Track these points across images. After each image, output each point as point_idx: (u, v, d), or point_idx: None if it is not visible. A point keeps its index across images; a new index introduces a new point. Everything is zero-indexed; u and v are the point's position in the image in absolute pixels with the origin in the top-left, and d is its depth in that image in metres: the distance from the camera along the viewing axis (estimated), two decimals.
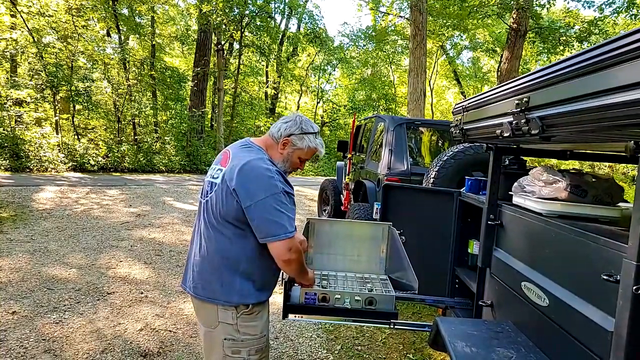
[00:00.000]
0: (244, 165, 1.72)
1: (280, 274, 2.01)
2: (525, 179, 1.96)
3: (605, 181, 1.79)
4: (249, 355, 1.83)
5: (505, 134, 1.71)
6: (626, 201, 2.22)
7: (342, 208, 6.82)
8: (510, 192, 2.11)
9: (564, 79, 1.29)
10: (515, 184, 2.03)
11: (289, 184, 1.81)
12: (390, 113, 22.75)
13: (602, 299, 1.31)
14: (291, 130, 1.87)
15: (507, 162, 2.37)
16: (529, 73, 1.55)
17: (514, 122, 1.64)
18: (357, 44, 26.44)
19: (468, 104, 2.30)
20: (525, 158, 2.47)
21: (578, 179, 1.77)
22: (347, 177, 6.81)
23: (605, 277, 1.22)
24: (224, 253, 1.77)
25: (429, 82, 24.46)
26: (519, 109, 1.59)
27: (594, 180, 1.77)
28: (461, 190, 2.92)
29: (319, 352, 3.36)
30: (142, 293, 4.22)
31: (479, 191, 2.73)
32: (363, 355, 3.36)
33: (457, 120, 2.48)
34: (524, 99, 1.56)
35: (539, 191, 1.80)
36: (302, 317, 2.24)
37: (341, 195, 7.36)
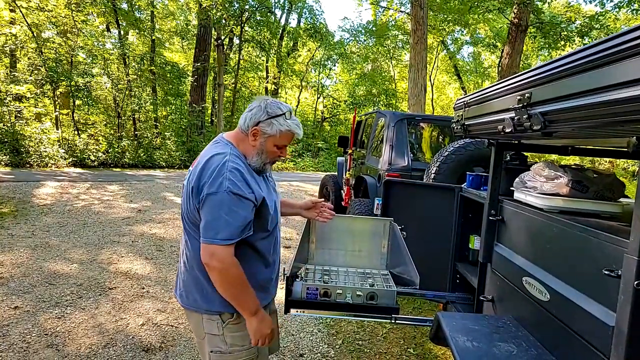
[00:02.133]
0: (205, 162, 1.63)
1: (278, 272, 1.94)
2: (526, 175, 1.96)
3: (606, 177, 1.79)
4: None
5: (507, 130, 1.71)
6: (627, 197, 2.22)
7: (343, 203, 6.82)
8: (511, 188, 2.11)
9: (566, 74, 1.29)
10: (517, 179, 2.03)
11: (249, 184, 1.63)
12: (390, 108, 22.71)
13: (603, 294, 1.31)
14: (257, 118, 1.69)
15: (508, 158, 2.37)
16: (531, 69, 1.55)
17: (515, 118, 1.64)
18: (357, 39, 26.35)
19: (470, 99, 2.30)
20: (526, 154, 2.47)
21: (579, 174, 1.77)
22: (347, 172, 6.81)
23: (606, 272, 1.22)
24: (200, 259, 1.62)
25: (430, 77, 24.41)
26: (521, 105, 1.59)
27: (595, 175, 1.78)
28: (462, 185, 2.93)
29: (320, 347, 3.37)
30: (143, 288, 4.23)
31: (480, 187, 2.74)
32: (364, 349, 3.38)
33: (458, 115, 2.48)
34: (526, 95, 1.56)
35: (540, 187, 1.81)
36: (303, 312, 2.25)
37: (342, 191, 7.36)
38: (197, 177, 1.61)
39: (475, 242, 2.70)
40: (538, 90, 1.49)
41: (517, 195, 2.04)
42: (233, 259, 1.58)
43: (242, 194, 1.58)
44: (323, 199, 2.25)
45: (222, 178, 1.57)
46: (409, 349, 3.41)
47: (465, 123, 2.35)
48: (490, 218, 2.20)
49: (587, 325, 1.36)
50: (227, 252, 1.56)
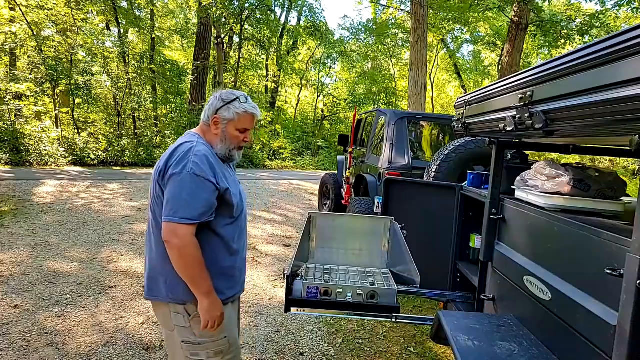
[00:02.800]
0: (173, 149, 1.73)
1: (245, 260, 1.98)
2: (527, 173, 1.96)
3: (608, 175, 1.79)
4: (207, 357, 1.78)
5: (509, 128, 1.71)
6: (628, 195, 2.22)
7: (343, 202, 6.83)
8: (512, 187, 2.11)
9: (568, 72, 1.28)
10: (518, 178, 2.03)
11: (214, 169, 1.70)
12: (390, 107, 22.69)
13: (605, 293, 1.31)
14: (215, 106, 1.81)
15: (509, 157, 2.37)
16: (533, 67, 1.55)
17: (517, 116, 1.64)
18: (357, 37, 26.32)
19: (470, 97, 2.30)
20: (526, 152, 2.46)
21: (581, 173, 1.77)
22: (347, 171, 6.81)
23: (608, 272, 1.22)
24: (163, 246, 1.69)
25: (430, 75, 24.38)
26: (522, 103, 1.58)
27: (597, 174, 1.77)
28: (463, 184, 2.92)
29: (321, 346, 3.37)
30: (143, 287, 4.22)
31: (481, 185, 2.73)
32: (364, 348, 3.38)
33: (459, 114, 2.47)
34: (528, 93, 1.55)
35: (541, 185, 1.80)
36: (304, 310, 2.25)
37: (342, 190, 7.36)
38: (164, 161, 1.70)
39: (476, 241, 2.70)
40: (540, 89, 1.49)
41: (519, 194, 2.03)
42: (193, 239, 1.64)
43: (204, 176, 1.65)
44: None
45: (187, 160, 1.66)
46: (409, 348, 3.41)
47: (466, 121, 2.35)
48: (491, 217, 2.19)
49: (589, 324, 1.35)
50: (187, 231, 1.62)
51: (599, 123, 1.22)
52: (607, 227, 1.39)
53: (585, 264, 1.44)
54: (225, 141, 1.82)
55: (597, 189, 1.74)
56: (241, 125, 1.82)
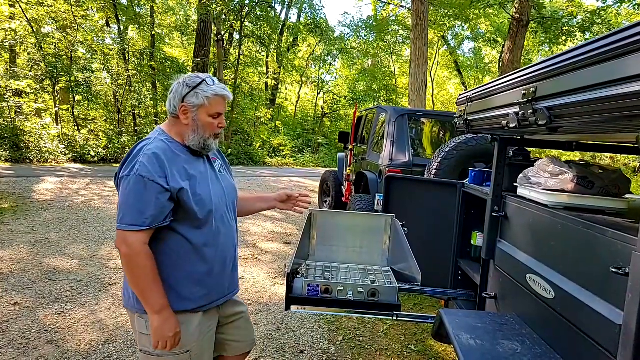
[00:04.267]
0: (130, 151, 1.61)
1: (226, 266, 1.80)
2: (530, 171, 1.94)
3: (612, 172, 1.77)
4: None
5: (511, 125, 1.69)
6: (632, 193, 2.20)
7: (343, 199, 6.81)
8: (515, 184, 2.09)
9: (573, 68, 1.26)
10: (521, 175, 2.01)
11: (165, 169, 1.54)
12: (391, 104, 22.66)
13: (610, 292, 1.29)
14: (181, 93, 1.62)
15: (511, 154, 2.34)
16: (536, 63, 1.53)
17: (520, 113, 1.62)
18: (357, 34, 26.26)
19: (473, 94, 2.28)
20: (528, 149, 2.44)
21: (585, 170, 1.75)
22: (348, 168, 6.79)
23: (614, 270, 1.20)
24: None
25: (430, 72, 24.33)
26: (525, 100, 1.56)
27: (601, 171, 1.75)
28: (464, 181, 2.90)
29: (321, 343, 3.36)
30: None
31: (482, 182, 2.71)
32: (365, 346, 3.37)
33: (461, 111, 2.45)
34: (531, 89, 1.53)
35: (545, 183, 1.78)
36: (304, 308, 2.23)
37: (342, 187, 7.35)
38: (121, 163, 1.60)
39: (478, 239, 2.68)
40: (543, 85, 1.47)
41: (521, 191, 2.01)
42: (143, 247, 1.51)
43: (150, 177, 1.50)
44: (297, 193, 2.18)
45: (136, 161, 1.53)
46: (410, 346, 3.40)
47: (468, 118, 2.33)
48: (494, 214, 2.17)
49: (594, 323, 1.34)
50: (135, 239, 1.49)
51: (605, 119, 1.20)
52: (612, 225, 1.38)
53: (590, 262, 1.42)
54: (198, 131, 1.65)
55: (601, 186, 1.72)
56: (213, 109, 1.65)
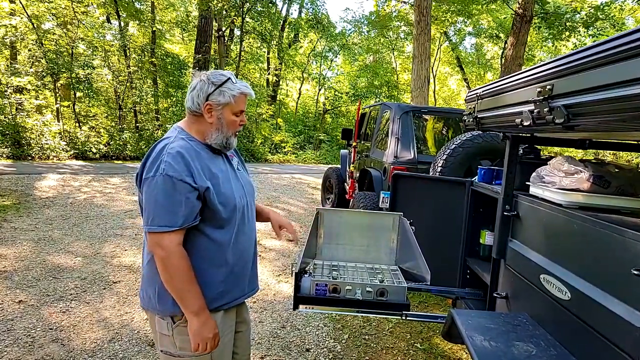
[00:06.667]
0: (150, 150, 1.57)
1: (250, 267, 1.80)
2: (544, 169, 1.91)
3: (628, 171, 1.74)
4: None
5: (526, 123, 1.66)
6: None
7: (347, 197, 6.78)
8: (527, 183, 2.06)
9: (595, 65, 1.23)
10: (534, 174, 1.98)
11: (190, 168, 1.51)
12: (392, 100, 22.57)
13: (630, 294, 1.27)
14: (205, 92, 1.59)
15: (521, 152, 2.31)
16: (553, 59, 1.49)
17: (535, 111, 1.59)
18: (359, 30, 26.15)
19: (483, 91, 2.24)
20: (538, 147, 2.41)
21: (601, 169, 1.72)
22: (351, 165, 6.75)
23: (635, 272, 1.17)
24: (151, 255, 1.56)
25: (432, 68, 24.23)
26: (541, 97, 1.53)
27: (617, 170, 1.72)
28: (473, 179, 2.87)
29: (326, 342, 3.35)
30: None
31: (491, 181, 2.68)
32: (370, 344, 3.35)
33: (470, 108, 2.42)
34: (547, 87, 1.50)
35: (559, 182, 1.76)
36: (312, 308, 2.20)
37: (345, 184, 7.32)
38: (141, 164, 1.55)
39: (487, 237, 2.66)
40: (561, 82, 1.44)
41: (534, 190, 1.98)
42: (178, 247, 1.49)
43: (178, 177, 1.47)
44: (285, 229, 2.12)
45: (160, 161, 1.49)
46: (415, 344, 3.38)
47: (478, 116, 2.30)
48: (505, 213, 2.15)
49: (612, 325, 1.31)
50: (170, 240, 1.47)
51: (626, 118, 1.17)
52: (631, 225, 1.35)
53: (608, 263, 1.40)
54: (222, 129, 1.63)
55: (617, 185, 1.69)
56: (237, 108, 1.64)
